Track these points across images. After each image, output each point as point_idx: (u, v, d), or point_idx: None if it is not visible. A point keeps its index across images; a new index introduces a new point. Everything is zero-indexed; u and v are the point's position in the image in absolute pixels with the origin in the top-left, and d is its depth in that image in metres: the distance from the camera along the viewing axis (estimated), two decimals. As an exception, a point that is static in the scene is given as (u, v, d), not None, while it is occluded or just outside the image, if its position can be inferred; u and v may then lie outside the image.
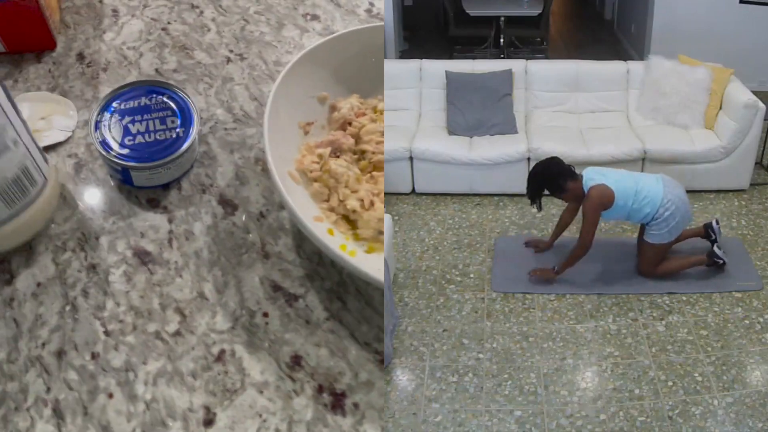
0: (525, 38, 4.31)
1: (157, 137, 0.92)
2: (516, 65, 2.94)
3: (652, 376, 1.76)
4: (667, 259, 2.12)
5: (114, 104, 0.95)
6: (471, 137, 2.77)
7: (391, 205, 2.67)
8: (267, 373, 0.81)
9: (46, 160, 0.86)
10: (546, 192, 2.11)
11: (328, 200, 0.89)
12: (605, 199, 2.01)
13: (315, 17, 1.20)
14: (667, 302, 2.03)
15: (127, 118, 0.93)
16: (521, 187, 2.67)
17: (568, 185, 2.06)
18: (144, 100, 0.95)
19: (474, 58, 3.37)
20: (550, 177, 2.08)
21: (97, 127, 0.92)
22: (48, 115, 1.00)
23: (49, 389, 0.79)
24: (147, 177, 0.92)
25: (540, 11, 3.96)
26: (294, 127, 0.93)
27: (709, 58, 2.81)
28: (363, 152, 0.93)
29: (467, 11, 3.96)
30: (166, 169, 0.92)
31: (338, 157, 0.92)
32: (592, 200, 2.01)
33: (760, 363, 1.79)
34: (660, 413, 1.64)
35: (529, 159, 2.66)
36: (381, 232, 0.87)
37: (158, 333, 0.83)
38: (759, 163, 2.76)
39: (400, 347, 1.92)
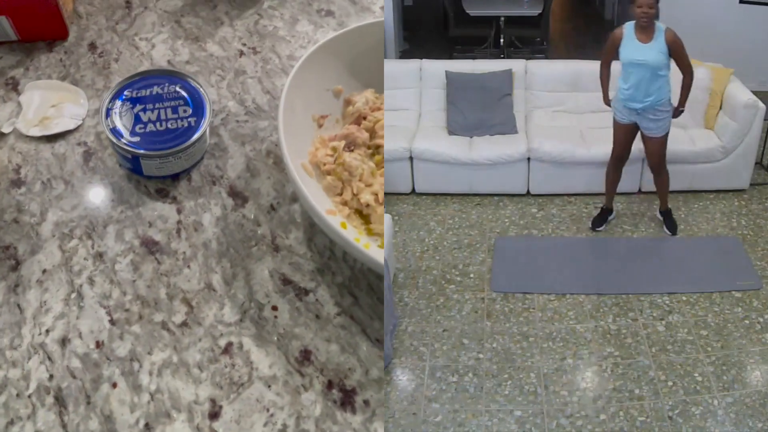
0: (525, 38, 4.31)
1: (169, 126, 0.91)
2: (516, 65, 2.94)
3: (652, 376, 1.76)
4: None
5: (126, 92, 0.93)
6: (471, 137, 2.77)
7: (391, 205, 2.67)
8: (275, 367, 0.79)
9: None
10: None
11: (341, 194, 0.88)
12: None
13: (329, 13, 1.20)
14: (667, 302, 2.03)
15: (139, 106, 0.92)
16: (521, 187, 2.68)
17: None
18: (156, 89, 0.94)
19: (474, 58, 3.36)
20: None
21: (108, 114, 0.91)
22: (59, 102, 1.00)
23: (51, 377, 0.78)
24: (157, 166, 0.91)
25: (540, 11, 3.96)
26: (308, 120, 0.92)
27: (709, 58, 2.81)
28: (377, 147, 0.92)
29: (467, 11, 3.96)
30: (176, 158, 0.91)
31: (352, 151, 0.91)
32: (679, 39, 2.09)
33: (760, 363, 1.79)
34: (660, 413, 1.64)
35: (529, 159, 2.66)
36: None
37: (164, 323, 0.82)
38: (759, 163, 2.76)
39: (400, 347, 1.92)
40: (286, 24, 1.17)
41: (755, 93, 2.58)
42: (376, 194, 0.85)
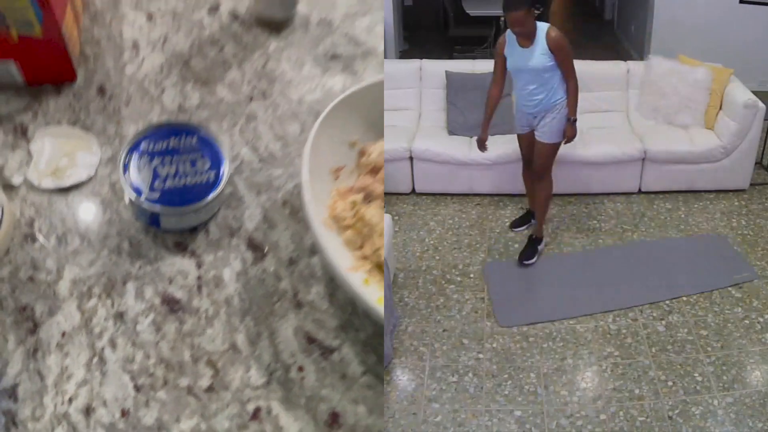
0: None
1: (188, 181, 0.88)
2: (516, 65, 2.94)
3: (652, 376, 1.76)
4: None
5: (142, 145, 0.91)
6: (471, 137, 2.77)
7: (391, 205, 2.67)
8: None
9: None
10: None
11: (361, 248, 0.87)
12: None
13: (336, 56, 1.17)
14: (667, 302, 2.03)
15: (156, 160, 0.89)
16: (521, 187, 2.67)
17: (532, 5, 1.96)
18: (173, 142, 0.92)
19: (474, 58, 3.36)
20: None
21: (125, 169, 0.88)
22: (71, 151, 0.96)
23: (78, 451, 0.75)
24: (176, 221, 0.90)
25: (540, 11, 3.96)
26: (325, 173, 0.91)
27: (709, 58, 2.81)
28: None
29: (467, 11, 3.96)
30: (195, 213, 0.89)
31: (369, 203, 0.90)
32: (565, 41, 1.97)
33: (760, 363, 1.79)
34: (660, 413, 1.64)
35: (529, 159, 2.67)
36: None
37: (190, 388, 0.79)
38: (759, 163, 2.76)
39: (400, 347, 1.92)
40: (293, 67, 1.15)
41: (755, 93, 2.58)
42: None
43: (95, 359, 0.79)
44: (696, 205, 2.57)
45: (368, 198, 0.89)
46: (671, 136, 2.67)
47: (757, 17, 3.41)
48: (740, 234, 2.37)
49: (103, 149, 0.98)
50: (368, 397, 0.79)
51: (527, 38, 1.98)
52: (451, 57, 3.90)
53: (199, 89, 1.08)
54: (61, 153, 0.95)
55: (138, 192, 0.86)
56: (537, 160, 2.19)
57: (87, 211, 0.92)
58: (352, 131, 0.92)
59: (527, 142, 2.22)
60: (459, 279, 2.21)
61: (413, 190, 2.77)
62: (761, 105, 2.50)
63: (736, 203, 2.58)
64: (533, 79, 2.03)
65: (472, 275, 2.23)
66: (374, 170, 0.91)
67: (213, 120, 1.04)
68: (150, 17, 1.19)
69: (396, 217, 2.57)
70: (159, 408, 0.77)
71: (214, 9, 1.21)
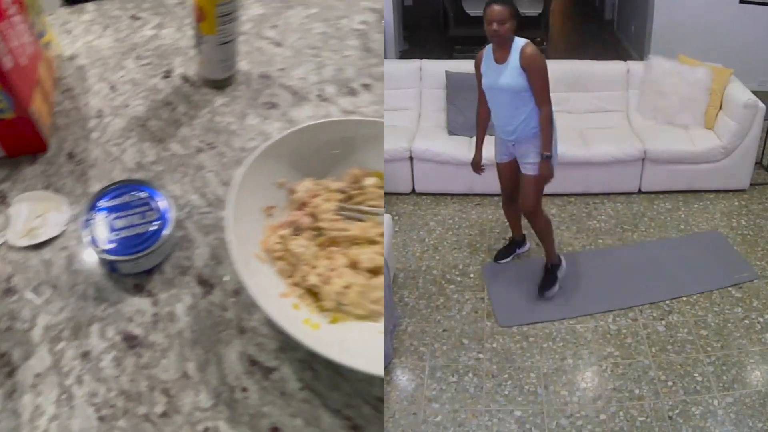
0: (525, 38, 4.31)
1: (138, 231, 1.01)
2: (516, 65, 2.94)
3: (652, 376, 1.76)
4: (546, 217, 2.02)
5: (100, 203, 1.05)
6: (471, 137, 2.77)
7: (391, 205, 2.67)
8: None
9: None
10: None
11: (292, 276, 0.97)
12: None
13: (273, 105, 1.32)
14: (667, 302, 2.03)
15: (113, 215, 1.03)
16: (521, 187, 2.67)
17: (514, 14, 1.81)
18: (126, 198, 1.06)
19: (474, 58, 3.36)
20: None
21: (86, 225, 1.02)
22: (44, 212, 1.10)
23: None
24: (132, 266, 1.01)
25: (540, 11, 3.96)
26: (258, 212, 1.02)
27: (709, 58, 2.81)
28: (320, 229, 1.02)
29: (467, 11, 3.96)
30: (147, 258, 1.01)
31: (299, 235, 1.01)
32: (540, 59, 1.81)
33: (760, 363, 1.79)
34: (660, 413, 1.64)
35: (529, 159, 2.67)
36: (342, 303, 0.94)
37: (147, 415, 0.87)
38: (759, 163, 2.76)
39: (400, 347, 1.92)
40: (236, 119, 1.29)
41: (755, 93, 2.58)
42: (321, 275, 0.95)
43: (64, 396, 0.88)
44: (696, 205, 2.57)
45: (297, 231, 1.01)
46: (671, 136, 2.67)
47: (757, 17, 3.41)
48: (740, 234, 2.37)
49: (72, 207, 1.12)
50: (305, 410, 0.88)
51: (503, 49, 1.83)
52: (451, 57, 3.90)
53: (155, 147, 1.23)
54: (35, 215, 1.10)
55: (96, 244, 0.99)
56: (523, 194, 1.97)
57: (57, 264, 1.04)
58: (279, 174, 1.05)
59: (507, 173, 2.04)
60: (459, 279, 2.21)
61: (413, 190, 2.77)
62: (761, 105, 2.50)
63: (736, 203, 2.58)
64: (507, 102, 1.87)
65: (472, 275, 2.23)
66: (301, 206, 1.04)
67: (167, 173, 1.18)
68: (113, 87, 1.35)
69: (396, 217, 2.58)
70: None
71: (167, 75, 1.38)
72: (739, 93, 2.58)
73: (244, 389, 0.90)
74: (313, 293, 0.95)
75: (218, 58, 1.28)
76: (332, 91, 1.34)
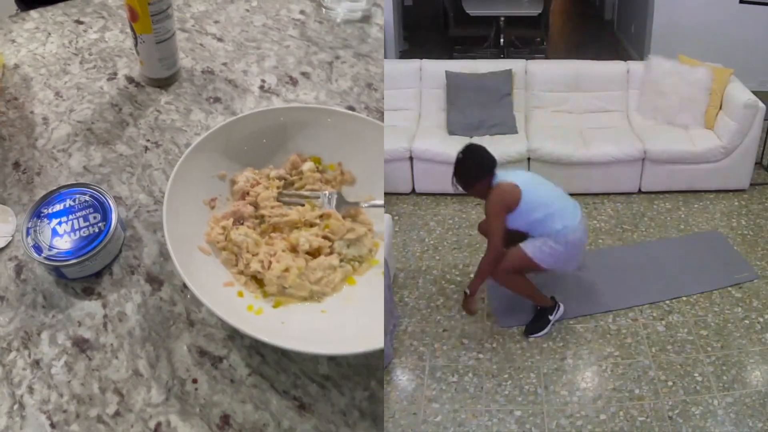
0: (525, 38, 4.32)
1: (82, 234, 1.00)
2: (516, 65, 2.94)
3: (652, 376, 1.76)
4: (521, 277, 1.91)
5: (43, 210, 1.04)
6: (471, 137, 2.77)
7: (391, 205, 2.67)
8: None
9: None
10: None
11: (236, 265, 0.99)
12: (508, 198, 1.79)
13: (217, 99, 1.33)
14: (667, 302, 2.03)
15: (55, 221, 1.02)
16: (521, 187, 2.67)
17: (477, 180, 1.85)
18: (69, 202, 1.05)
19: (474, 58, 3.37)
20: (466, 166, 1.87)
21: (28, 233, 1.01)
22: None
23: (2, 492, 0.85)
24: (78, 270, 1.00)
25: (540, 11, 3.97)
26: (199, 204, 1.03)
27: (709, 58, 2.81)
28: (262, 216, 1.04)
29: (467, 11, 3.96)
30: (93, 260, 1.00)
31: (242, 224, 1.03)
32: (493, 197, 1.82)
33: (760, 363, 1.79)
34: (660, 413, 1.64)
35: (529, 159, 2.66)
36: (284, 287, 0.96)
37: (100, 416, 0.87)
38: (759, 163, 2.76)
39: (400, 347, 1.92)
40: (181, 115, 1.30)
41: (755, 93, 2.58)
42: (262, 261, 0.97)
43: (15, 406, 0.88)
44: (696, 205, 2.57)
45: (239, 220, 1.03)
46: (671, 136, 2.67)
47: (757, 17, 3.41)
48: (740, 234, 2.37)
49: (19, 216, 1.11)
50: (254, 395, 0.89)
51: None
52: (451, 57, 3.90)
53: (101, 149, 1.23)
54: None
55: (38, 251, 0.98)
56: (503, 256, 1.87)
57: (5, 275, 1.03)
58: (219, 166, 1.06)
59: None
60: (459, 279, 2.21)
61: (413, 190, 2.77)
62: (761, 105, 2.50)
63: (736, 203, 2.58)
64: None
65: (472, 275, 2.22)
66: (243, 195, 1.06)
67: (114, 174, 1.19)
68: (58, 93, 1.35)
69: (396, 217, 2.58)
70: None
71: (112, 77, 1.39)
72: (739, 93, 2.58)
73: (194, 380, 0.90)
74: (258, 280, 0.97)
75: (157, 56, 1.29)
76: (273, 81, 1.36)
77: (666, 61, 2.81)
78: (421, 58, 2.99)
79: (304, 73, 1.37)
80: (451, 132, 2.81)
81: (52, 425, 0.86)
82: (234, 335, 0.94)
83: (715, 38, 3.39)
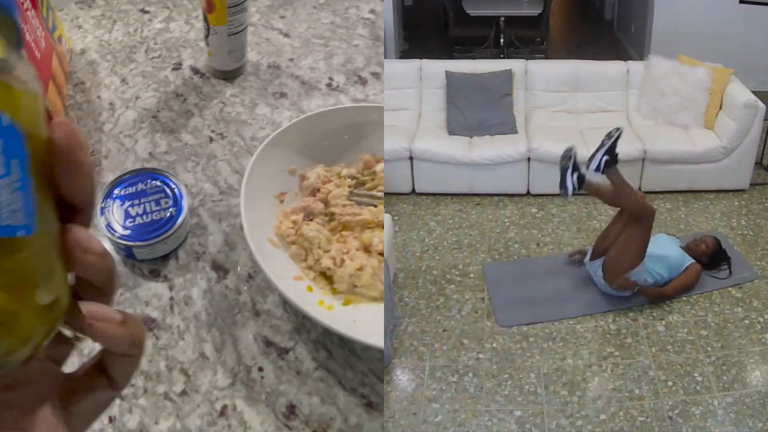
0: (525, 38, 4.31)
1: (153, 217, 1.04)
2: (516, 65, 2.94)
3: (652, 376, 1.76)
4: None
5: (115, 191, 1.07)
6: (471, 137, 2.77)
7: (391, 205, 2.67)
8: (266, 424, 0.87)
9: None
10: None
11: (305, 260, 0.99)
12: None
13: (283, 95, 1.34)
14: (667, 302, 2.03)
15: (127, 203, 1.05)
16: (521, 187, 2.68)
17: None
18: (140, 186, 1.08)
19: (474, 58, 3.37)
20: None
21: (102, 212, 1.04)
22: None
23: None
24: (147, 252, 1.04)
25: (540, 11, 3.97)
26: (270, 198, 1.05)
27: (709, 58, 2.81)
28: (332, 214, 1.04)
29: (467, 11, 3.96)
30: (162, 243, 1.03)
31: (311, 220, 1.03)
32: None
33: (760, 363, 1.79)
34: (660, 413, 1.64)
35: (529, 159, 2.66)
36: (356, 286, 0.95)
37: (167, 393, 0.90)
38: (759, 163, 2.76)
39: (400, 347, 1.92)
40: (246, 109, 1.31)
41: (755, 93, 2.57)
42: (334, 258, 0.97)
43: None
44: (696, 205, 2.57)
45: (309, 216, 1.03)
46: (671, 136, 2.67)
47: (757, 17, 3.41)
48: (740, 234, 2.37)
49: None
50: (321, 389, 0.91)
51: None
52: (451, 57, 3.90)
53: (167, 137, 1.26)
54: None
55: (112, 230, 1.01)
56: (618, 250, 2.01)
57: None
58: (290, 161, 1.08)
59: None
60: (459, 279, 2.21)
61: (413, 190, 2.77)
62: (761, 105, 2.50)
63: (736, 203, 2.58)
64: None
65: (472, 275, 2.23)
66: (313, 192, 1.07)
67: (179, 162, 1.21)
68: (123, 80, 1.38)
69: (396, 217, 2.58)
70: (140, 413, 0.88)
71: (177, 67, 1.41)
72: (739, 93, 2.58)
73: (260, 369, 0.92)
74: (327, 276, 0.97)
75: (228, 48, 1.29)
76: (341, 80, 1.35)
77: (666, 61, 2.81)
78: (421, 58, 2.99)
79: (374, 74, 1.36)
80: (451, 132, 2.81)
81: (121, 397, 0.88)
82: (300, 328, 0.96)
83: (715, 38, 3.39)
